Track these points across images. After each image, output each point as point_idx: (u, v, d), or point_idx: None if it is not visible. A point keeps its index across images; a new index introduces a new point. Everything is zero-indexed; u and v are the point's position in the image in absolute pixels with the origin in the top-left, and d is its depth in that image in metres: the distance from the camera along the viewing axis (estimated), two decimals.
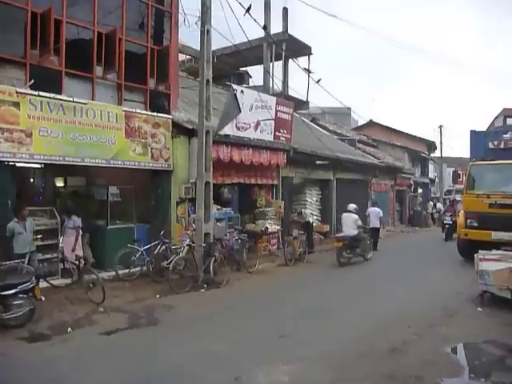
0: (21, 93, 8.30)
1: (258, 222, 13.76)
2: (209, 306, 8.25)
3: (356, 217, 13.26)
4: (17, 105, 8.25)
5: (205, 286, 9.47)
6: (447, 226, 19.26)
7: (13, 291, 6.56)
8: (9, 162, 8.29)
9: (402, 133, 33.47)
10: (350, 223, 13.06)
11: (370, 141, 29.73)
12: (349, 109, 32.40)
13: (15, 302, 6.62)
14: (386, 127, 33.92)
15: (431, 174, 35.16)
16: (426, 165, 33.84)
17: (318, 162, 16.81)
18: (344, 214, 13.62)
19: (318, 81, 15.50)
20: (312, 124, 24.28)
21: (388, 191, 25.00)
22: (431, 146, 35.78)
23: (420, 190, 31.86)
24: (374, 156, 24.92)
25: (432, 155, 36.29)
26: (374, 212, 16.16)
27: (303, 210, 15.62)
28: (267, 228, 13.44)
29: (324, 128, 26.25)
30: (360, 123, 36.22)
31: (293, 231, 13.45)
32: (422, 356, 5.71)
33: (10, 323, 6.57)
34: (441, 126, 36.00)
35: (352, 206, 13.67)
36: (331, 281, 10.86)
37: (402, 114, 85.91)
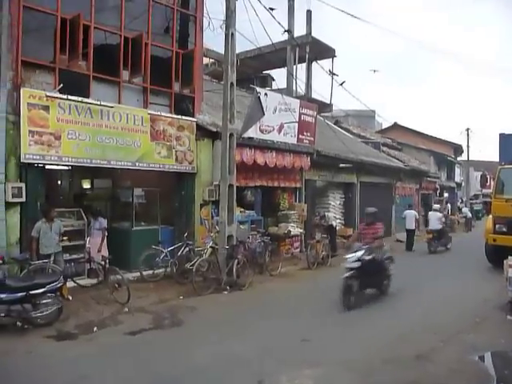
0: (50, 96, 8.52)
1: (280, 224, 13.72)
2: (232, 309, 8.26)
3: (440, 215, 17.15)
4: (46, 108, 8.47)
5: (227, 288, 9.50)
6: None
7: (41, 290, 6.70)
8: (38, 164, 8.50)
9: (428, 136, 32.93)
10: (435, 220, 16.67)
11: (394, 144, 29.34)
12: (373, 111, 32.07)
13: (43, 301, 6.77)
14: (411, 130, 33.43)
15: (458, 178, 34.45)
16: (452, 168, 33.18)
17: (341, 165, 16.66)
18: (430, 212, 17.95)
19: (342, 83, 15.48)
20: (335, 127, 24.11)
21: (413, 195, 24.58)
22: (458, 150, 35.09)
23: (446, 194, 31.23)
24: (398, 159, 24.56)
25: (459, 159, 35.57)
26: (410, 214, 17.44)
27: (326, 214, 15.47)
28: (290, 231, 13.39)
29: (348, 131, 26.03)
30: (384, 126, 35.83)
31: (316, 234, 13.36)
32: (449, 364, 5.57)
33: (38, 322, 6.73)
34: (468, 129, 35.28)
35: (437, 206, 18.78)
36: None
37: (427, 117, 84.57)
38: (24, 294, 6.53)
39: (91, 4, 9.21)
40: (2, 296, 6.45)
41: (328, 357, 5.72)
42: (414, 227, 17.23)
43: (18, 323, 6.62)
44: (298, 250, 14.34)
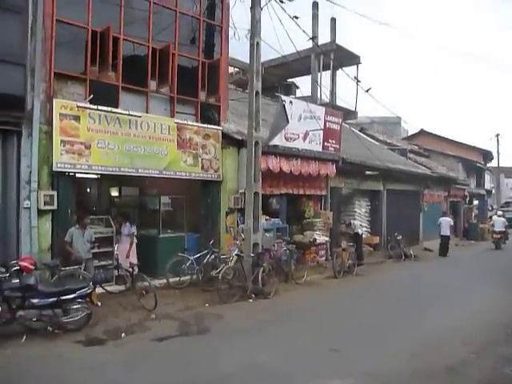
0: (81, 107, 8.77)
1: (306, 232, 13.64)
2: (257, 317, 8.22)
3: (504, 219, 21.62)
4: (77, 118, 8.72)
5: (253, 296, 9.48)
6: None
7: (71, 296, 6.84)
8: (69, 172, 8.74)
9: (456, 142, 32.19)
10: (500, 223, 21.20)
11: (421, 151, 28.85)
12: (398, 118, 31.66)
13: (73, 307, 6.91)
14: (439, 136, 32.76)
15: (487, 185, 33.53)
16: (481, 175, 32.33)
17: (367, 173, 16.48)
18: (494, 217, 22.83)
19: (368, 90, 15.31)
20: (361, 134, 23.90)
21: (441, 202, 24.05)
22: (487, 156, 34.18)
23: (476, 202, 30.41)
24: (425, 166, 24.13)
25: (488, 165, 34.65)
26: (445, 221, 18.49)
27: (352, 221, 15.32)
28: (315, 239, 13.30)
29: (373, 138, 25.76)
30: (410, 132, 35.30)
31: (341, 243, 13.23)
32: (481, 377, 5.41)
33: (68, 327, 6.86)
34: (498, 135, 34.39)
35: (500, 213, 23.87)
36: (382, 293, 10.54)
37: (455, 123, 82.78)
38: (55, 299, 6.68)
39: (120, 17, 9.48)
40: (34, 301, 6.61)
41: (357, 367, 5.63)
42: (448, 233, 18.22)
43: (49, 328, 6.75)
44: (324, 258, 14.22)
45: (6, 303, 6.55)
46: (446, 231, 18.11)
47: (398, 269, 14.69)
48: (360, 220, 17.14)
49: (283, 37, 11.07)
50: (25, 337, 6.48)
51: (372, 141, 24.27)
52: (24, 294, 6.59)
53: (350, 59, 23.79)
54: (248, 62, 10.54)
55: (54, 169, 8.41)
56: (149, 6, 10.00)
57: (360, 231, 15.31)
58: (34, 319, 6.63)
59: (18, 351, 6.07)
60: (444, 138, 32.62)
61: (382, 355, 6.12)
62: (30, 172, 8.16)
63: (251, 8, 10.15)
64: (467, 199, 28.00)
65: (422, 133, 33.15)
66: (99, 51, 8.98)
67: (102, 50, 9.00)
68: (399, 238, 16.65)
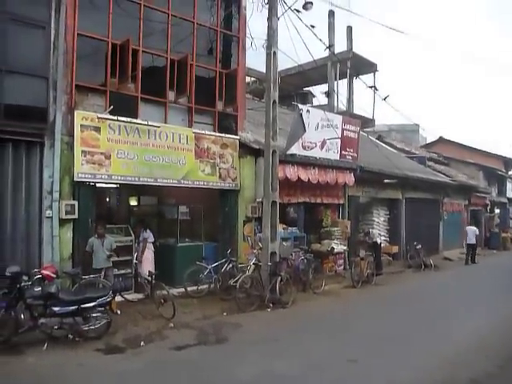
0: (101, 118, 8.94)
1: (323, 241, 13.56)
2: (275, 326, 8.19)
3: None
4: (98, 129, 8.89)
5: (271, 305, 9.44)
6: None
7: (92, 304, 6.92)
8: (90, 182, 8.89)
9: (476, 150, 31.66)
10: None
11: (440, 158, 28.46)
12: (417, 125, 31.36)
13: (93, 315, 6.98)
14: (458, 144, 32.28)
15: (510, 193, 32.80)
16: (503, 183, 31.66)
17: (385, 181, 16.33)
18: None
19: (385, 98, 15.20)
20: (378, 142, 23.73)
21: (461, 211, 23.65)
22: (509, 163, 33.48)
23: (497, 211, 29.77)
24: (445, 174, 23.79)
25: (510, 173, 33.94)
26: (471, 230, 18.99)
27: (371, 230, 15.17)
28: (333, 248, 13.21)
29: (391, 146, 25.56)
30: (429, 140, 34.90)
31: (360, 252, 13.09)
32: None
33: (88, 335, 6.92)
34: None
35: None
36: (401, 304, 10.37)
37: (475, 130, 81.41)
38: (76, 307, 6.77)
39: (139, 29, 9.67)
40: (56, 309, 6.71)
41: (376, 378, 5.56)
42: (474, 242, 18.64)
43: (70, 336, 6.84)
44: (342, 267, 14.09)
45: (29, 311, 6.68)
46: (472, 239, 18.63)
47: (418, 279, 14.47)
48: (378, 229, 16.97)
49: (299, 46, 11.14)
50: (46, 344, 6.57)
51: (390, 149, 24.08)
52: (46, 302, 6.70)
53: (367, 67, 23.70)
54: (264, 71, 10.62)
55: (75, 179, 8.58)
56: (167, 18, 10.18)
57: (378, 240, 15.15)
58: (56, 327, 6.72)
59: (39, 358, 6.17)
60: (464, 145, 32.12)
61: (402, 367, 6.02)
62: (52, 182, 8.35)
63: (268, 18, 10.23)
64: (488, 208, 27.45)
65: (441, 140, 32.73)
66: (119, 63, 9.17)
67: (121, 62, 9.18)
68: (418, 247, 16.42)
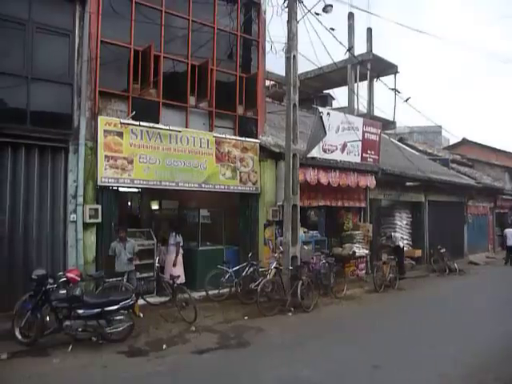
0: (124, 123, 9.08)
1: (345, 245, 13.43)
2: (297, 331, 8.14)
3: None
4: (120, 134, 9.02)
5: (292, 309, 9.39)
6: None
7: (115, 307, 6.99)
8: (113, 186, 9.03)
9: (501, 151, 30.90)
10: None
11: (464, 160, 27.87)
12: (439, 127, 30.88)
13: (117, 318, 7.06)
14: (483, 145, 31.56)
15: None
16: None
17: (408, 184, 16.09)
18: None
19: (407, 99, 14.98)
20: (400, 144, 23.42)
21: (487, 214, 23.12)
22: None
23: None
24: (469, 176, 23.28)
25: None
26: (510, 232, 19.13)
27: (393, 234, 14.95)
28: (355, 252, 13.07)
29: (413, 148, 25.18)
30: (452, 142, 34.27)
31: (382, 256, 12.93)
32: None
33: (111, 337, 7.01)
34: None
35: None
36: (425, 309, 10.17)
37: (499, 131, 79.62)
38: (99, 310, 6.86)
39: (161, 35, 9.79)
40: (80, 311, 6.82)
41: None
42: None
43: (94, 338, 6.95)
44: (364, 271, 13.94)
45: (54, 313, 6.82)
46: (511, 242, 18.99)
47: (442, 283, 14.17)
48: (401, 232, 16.73)
49: (319, 48, 11.10)
50: (71, 346, 6.69)
51: (412, 151, 23.73)
52: (70, 305, 6.82)
53: (388, 69, 23.49)
54: (284, 74, 10.62)
55: (99, 183, 8.73)
56: (188, 24, 10.29)
57: (401, 244, 14.92)
58: (80, 329, 6.83)
59: (64, 360, 6.28)
60: (488, 146, 31.38)
61: (428, 373, 5.90)
62: (77, 187, 8.51)
63: (287, 22, 10.23)
64: None
65: (465, 142, 32.06)
66: (141, 69, 9.32)
67: (143, 68, 9.32)
68: (443, 251, 16.10)
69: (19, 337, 6.80)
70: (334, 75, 22.04)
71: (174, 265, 10.01)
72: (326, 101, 25.55)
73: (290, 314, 9.25)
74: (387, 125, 22.17)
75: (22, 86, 8.01)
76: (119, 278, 8.54)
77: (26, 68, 8.09)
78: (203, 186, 10.27)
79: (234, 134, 11.08)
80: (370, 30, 24.22)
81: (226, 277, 10.19)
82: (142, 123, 9.27)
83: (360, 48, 23.48)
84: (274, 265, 10.19)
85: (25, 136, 8.01)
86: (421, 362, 6.40)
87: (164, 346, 6.95)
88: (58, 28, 8.56)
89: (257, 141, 11.36)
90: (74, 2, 8.73)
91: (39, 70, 8.21)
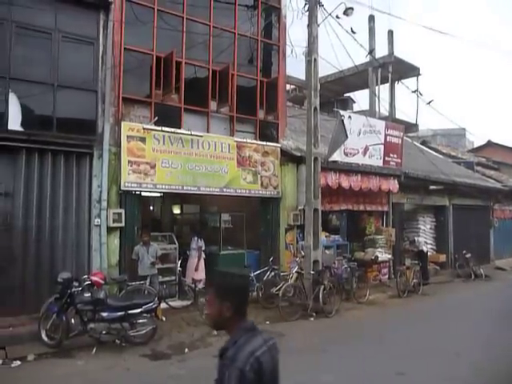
0: (147, 129, 9.20)
1: (367, 250, 13.27)
2: (319, 336, 8.06)
3: None
4: (143, 140, 9.15)
5: (314, 314, 9.32)
6: None
7: (138, 310, 7.07)
8: (136, 191, 9.15)
9: None
10: None
11: (489, 163, 27.27)
12: (463, 129, 30.27)
13: (140, 321, 7.15)
14: (508, 147, 30.81)
15: None
16: None
17: (431, 187, 15.81)
18: None
19: (430, 102, 14.77)
20: (423, 147, 23.06)
21: None
22: None
23: None
24: (495, 179, 22.73)
25: None
26: None
27: (416, 238, 14.72)
28: (377, 256, 12.88)
29: (436, 151, 24.74)
30: (476, 144, 33.56)
31: (405, 260, 12.73)
32: None
33: (135, 340, 7.10)
34: None
35: None
36: (450, 315, 9.94)
37: None
38: (123, 313, 6.95)
39: (182, 41, 9.91)
40: (104, 314, 6.92)
41: None
42: None
43: (117, 341, 7.04)
44: (387, 276, 13.73)
45: (79, 316, 6.93)
46: None
47: (468, 289, 13.85)
48: (424, 237, 16.44)
49: (339, 52, 11.04)
50: (95, 349, 6.80)
51: (435, 154, 23.32)
52: (95, 308, 6.93)
53: (410, 71, 23.19)
54: (304, 78, 10.61)
55: (122, 188, 8.85)
56: (209, 30, 10.38)
57: (425, 248, 14.68)
58: (104, 332, 6.93)
59: (88, 362, 6.38)
60: None
61: (454, 380, 5.75)
62: (101, 191, 8.66)
63: (308, 25, 10.22)
64: None
65: (490, 144, 31.35)
66: (163, 75, 9.43)
67: (165, 74, 9.43)
68: (468, 255, 15.75)
69: (45, 339, 6.94)
70: (355, 78, 21.89)
71: (196, 269, 10.08)
72: (347, 104, 25.40)
73: (311, 318, 9.19)
74: (409, 128, 21.85)
75: (48, 93, 8.22)
76: (142, 282, 8.63)
77: (52, 76, 8.32)
78: (225, 190, 10.31)
79: (255, 139, 11.10)
80: (391, 33, 23.98)
81: None
82: (164, 128, 9.38)
83: (381, 50, 23.26)
84: (295, 269, 10.16)
85: (51, 142, 8.21)
86: (446, 370, 6.26)
87: (186, 350, 7.00)
88: (83, 36, 8.77)
89: (278, 145, 11.36)
90: (98, 11, 8.93)
91: (65, 78, 8.42)
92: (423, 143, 24.98)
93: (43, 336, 6.94)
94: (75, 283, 7.12)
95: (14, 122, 7.94)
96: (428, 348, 7.24)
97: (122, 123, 8.96)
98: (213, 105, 10.42)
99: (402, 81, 21.86)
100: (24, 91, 7.98)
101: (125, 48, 9.11)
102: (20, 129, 7.99)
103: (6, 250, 7.86)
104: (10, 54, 7.93)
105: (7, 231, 7.93)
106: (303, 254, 10.36)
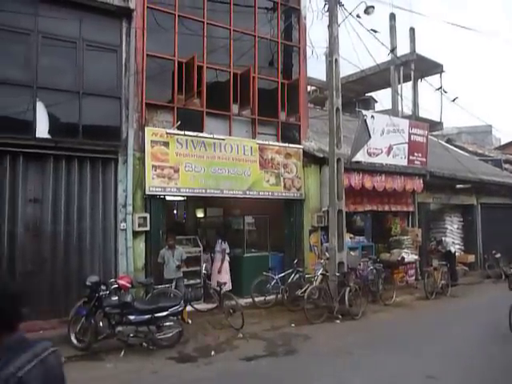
0: (170, 133, 9.30)
1: (393, 251, 13.06)
2: (346, 339, 7.95)
3: None
4: (167, 144, 9.25)
5: (340, 316, 9.22)
6: None
7: (165, 313, 7.12)
8: (160, 195, 9.25)
9: None
10: None
11: None
12: (489, 126, 29.56)
13: (166, 324, 7.19)
14: None
15: None
16: None
17: (458, 186, 15.48)
18: None
19: (454, 99, 14.47)
20: (448, 145, 22.61)
21: None
22: None
23: None
24: None
25: None
26: None
27: (443, 239, 14.41)
28: (403, 258, 12.66)
29: (462, 149, 24.21)
30: (504, 141, 32.67)
31: (433, 261, 12.47)
32: None
33: (161, 343, 7.15)
34: None
35: None
36: (480, 317, 9.65)
37: None
38: (150, 316, 7.01)
39: (203, 46, 9.99)
40: (131, 317, 7.00)
41: None
42: None
43: (144, 344, 7.10)
44: (414, 278, 13.48)
45: (107, 319, 7.03)
46: None
47: (498, 290, 13.39)
48: (452, 237, 16.09)
49: (360, 51, 10.92)
50: (123, 351, 6.87)
51: (461, 152, 22.82)
52: (122, 311, 7.01)
53: (433, 68, 22.80)
54: (325, 79, 10.56)
55: (147, 192, 8.96)
56: (229, 34, 10.44)
57: (452, 249, 14.35)
58: (131, 335, 7.00)
59: (117, 365, 6.46)
60: None
61: None
62: (126, 196, 8.79)
63: (328, 26, 10.14)
64: None
65: None
66: (185, 80, 9.53)
67: (187, 79, 9.52)
68: (498, 255, 15.33)
69: (74, 341, 7.07)
70: (377, 77, 21.66)
71: (219, 272, 10.11)
72: (369, 104, 25.13)
73: (337, 321, 9.09)
74: (434, 126, 21.47)
75: (74, 101, 8.41)
76: (168, 285, 8.70)
77: (77, 84, 8.50)
78: (248, 193, 10.32)
79: (277, 141, 11.08)
80: (412, 30, 23.65)
81: (272, 283, 10.16)
82: (186, 133, 9.47)
83: (403, 48, 22.96)
84: (320, 271, 10.09)
85: (77, 149, 8.39)
86: (478, 373, 6.09)
87: (212, 353, 7.00)
88: (106, 44, 8.94)
89: (300, 146, 11.32)
90: (121, 19, 9.09)
91: (89, 85, 8.59)
92: (448, 141, 24.48)
93: (73, 339, 7.07)
94: (103, 287, 7.22)
95: (42, 130, 8.15)
96: (459, 351, 7.07)
97: (146, 128, 9.08)
98: (234, 108, 10.45)
99: (425, 78, 21.50)
100: (51, 99, 8.19)
101: (147, 54, 9.25)
102: (47, 136, 8.19)
103: (36, 255, 8.06)
104: (36, 63, 8.14)
105: (37, 236, 8.13)
106: (328, 255, 10.27)
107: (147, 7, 9.29)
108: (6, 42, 7.96)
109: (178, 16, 9.69)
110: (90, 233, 8.56)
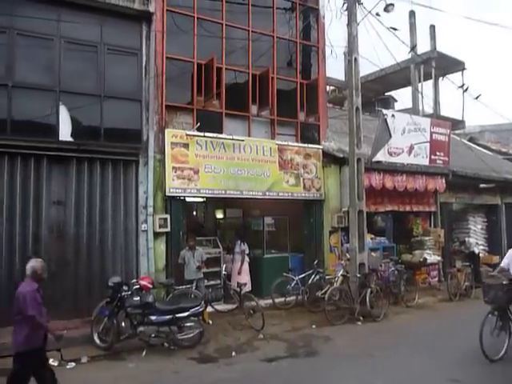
0: (189, 135, 9.36)
1: (415, 252, 12.84)
2: (367, 341, 7.86)
3: None
4: (186, 146, 9.31)
5: (361, 318, 9.12)
6: None
7: (186, 314, 7.17)
8: (180, 196, 9.31)
9: None
10: None
11: None
12: None
13: (187, 324, 7.24)
14: None
15: None
16: None
17: (481, 186, 15.12)
18: None
19: (477, 97, 14.15)
20: (471, 144, 22.14)
21: None
22: None
23: None
24: None
25: None
26: None
27: (467, 239, 14.11)
28: (426, 259, 12.45)
29: (485, 147, 23.66)
30: None
31: (456, 262, 12.22)
32: None
33: (182, 343, 7.20)
34: None
35: None
36: None
37: None
38: (171, 316, 7.07)
39: (222, 47, 10.04)
40: (153, 318, 7.08)
41: None
42: None
43: (165, 344, 7.17)
44: (436, 279, 13.25)
45: (129, 319, 7.11)
46: None
47: None
48: (476, 237, 15.70)
49: (380, 49, 10.80)
50: (145, 351, 6.95)
51: (484, 151, 22.31)
52: (144, 311, 7.10)
53: (454, 66, 22.42)
54: (344, 78, 10.48)
55: (167, 194, 9.04)
56: (247, 35, 10.46)
57: (476, 250, 14.02)
58: (153, 335, 7.08)
59: (139, 365, 6.54)
60: None
61: None
62: (147, 197, 8.88)
63: (347, 24, 10.05)
64: None
65: None
66: (204, 82, 9.58)
67: (206, 81, 9.57)
68: None
69: (97, 341, 7.19)
70: (396, 76, 21.39)
71: (239, 273, 10.12)
72: (388, 103, 24.82)
73: (359, 323, 9.00)
74: (456, 124, 21.08)
75: (95, 104, 8.56)
76: (188, 286, 8.75)
77: (98, 87, 8.65)
78: (267, 193, 10.31)
79: (296, 141, 11.04)
80: (433, 27, 23.29)
81: (292, 284, 10.12)
82: (206, 134, 9.51)
83: (423, 46, 22.59)
84: (340, 272, 10.00)
85: (99, 151, 8.53)
86: (503, 377, 5.95)
87: (233, 353, 7.01)
88: (127, 48, 9.07)
89: (319, 147, 11.25)
90: (141, 23, 9.20)
91: (111, 89, 8.72)
92: (471, 140, 23.96)
93: (95, 339, 7.19)
94: (125, 287, 7.30)
95: (65, 133, 8.30)
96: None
97: (166, 130, 9.15)
98: (253, 109, 10.46)
99: (447, 76, 21.13)
100: (73, 103, 8.34)
101: (167, 57, 9.34)
102: (70, 139, 8.34)
103: (60, 256, 8.21)
104: (59, 68, 8.32)
105: (60, 238, 8.29)
106: (348, 256, 10.16)
107: (166, 10, 9.38)
108: (30, 48, 8.15)
109: (197, 18, 9.75)
110: (112, 234, 8.68)
